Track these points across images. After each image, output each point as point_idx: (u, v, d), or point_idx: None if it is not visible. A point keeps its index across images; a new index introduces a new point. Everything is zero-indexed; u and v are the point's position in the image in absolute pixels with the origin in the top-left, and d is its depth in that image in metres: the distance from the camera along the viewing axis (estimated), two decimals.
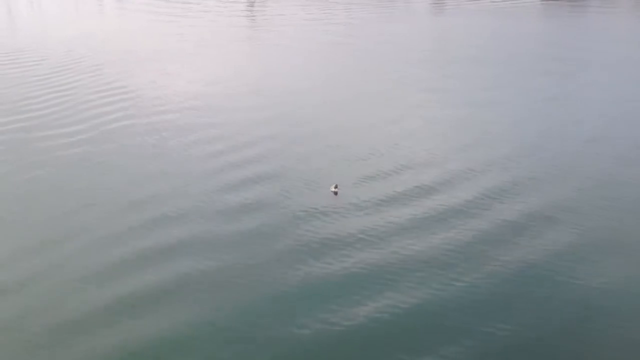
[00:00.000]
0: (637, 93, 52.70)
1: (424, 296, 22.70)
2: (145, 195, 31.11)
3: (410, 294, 22.81)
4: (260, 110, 46.48)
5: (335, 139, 39.55)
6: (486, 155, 36.55)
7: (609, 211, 29.59)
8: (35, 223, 28.38)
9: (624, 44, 76.28)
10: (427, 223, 28.15)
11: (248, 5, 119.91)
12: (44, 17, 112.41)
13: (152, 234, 27.15)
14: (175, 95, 50.52)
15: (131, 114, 45.06)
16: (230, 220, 28.47)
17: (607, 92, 52.06)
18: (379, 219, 28.48)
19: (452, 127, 42.36)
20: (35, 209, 29.80)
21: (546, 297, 22.84)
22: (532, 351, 20.17)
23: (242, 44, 78.67)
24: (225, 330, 21.01)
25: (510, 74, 58.84)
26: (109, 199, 30.69)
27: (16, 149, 38.08)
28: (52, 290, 23.25)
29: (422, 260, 25.08)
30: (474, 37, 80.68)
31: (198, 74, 59.20)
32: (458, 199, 30.51)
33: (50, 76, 57.03)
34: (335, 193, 31.17)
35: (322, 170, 34.33)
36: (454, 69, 60.32)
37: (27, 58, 66.30)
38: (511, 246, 26.15)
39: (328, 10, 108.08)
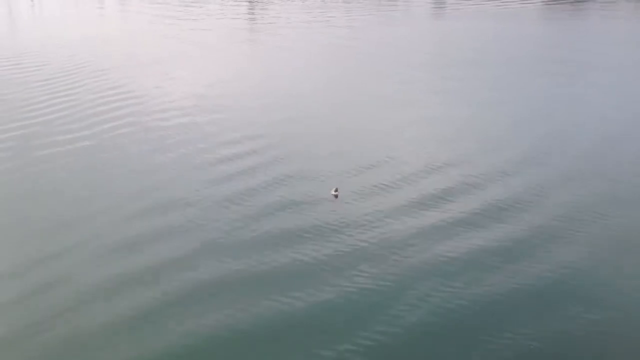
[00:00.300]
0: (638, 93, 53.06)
1: (430, 307, 22.68)
2: (151, 202, 30.96)
3: (414, 304, 22.86)
4: (263, 113, 46.57)
5: (337, 142, 39.65)
6: (488, 159, 36.64)
7: (618, 211, 29.82)
8: (39, 228, 28.34)
9: (625, 46, 76.33)
10: (428, 225, 28.22)
11: (249, 8, 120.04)
12: (45, 19, 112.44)
13: (157, 242, 27.06)
14: (179, 100, 50.52)
15: (136, 120, 44.88)
16: (239, 227, 28.33)
17: (608, 92, 52.24)
18: (379, 223, 28.55)
19: (453, 129, 42.47)
20: (38, 214, 29.78)
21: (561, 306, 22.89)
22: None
23: (244, 47, 78.74)
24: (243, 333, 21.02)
25: (512, 75, 58.90)
26: (113, 205, 30.58)
27: (19, 154, 37.93)
28: (57, 299, 22.95)
29: (425, 265, 25.13)
30: (475, 40, 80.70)
31: (201, 77, 59.20)
32: (461, 203, 30.56)
33: (52, 81, 56.89)
34: (336, 196, 31.25)
35: (322, 172, 34.39)
36: (455, 72, 60.37)
37: (29, 62, 66.22)
38: (516, 253, 26.19)
39: (329, 14, 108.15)
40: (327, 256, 25.71)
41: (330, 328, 21.36)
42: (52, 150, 38.35)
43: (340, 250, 26.24)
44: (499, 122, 44.43)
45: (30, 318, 21.90)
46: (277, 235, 27.55)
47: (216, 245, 26.84)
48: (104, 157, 37.44)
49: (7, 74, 61.06)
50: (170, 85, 56.07)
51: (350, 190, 31.92)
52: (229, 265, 25.21)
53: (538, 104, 49.17)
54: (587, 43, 79.51)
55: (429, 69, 62.65)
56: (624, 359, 20.30)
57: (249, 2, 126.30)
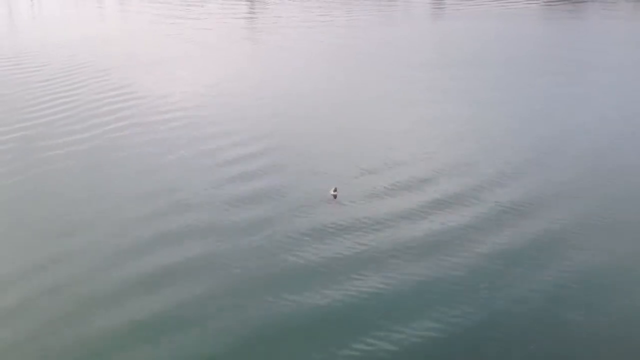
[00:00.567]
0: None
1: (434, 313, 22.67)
2: (154, 204, 30.87)
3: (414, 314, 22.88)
4: (263, 113, 46.61)
5: (337, 142, 39.70)
6: (489, 159, 36.65)
7: (618, 211, 29.91)
8: (41, 231, 28.33)
9: (625, 46, 76.35)
10: (428, 225, 28.26)
11: (250, 8, 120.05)
12: (45, 19, 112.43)
13: (160, 245, 27.00)
14: (180, 101, 50.50)
15: (137, 121, 44.82)
16: (240, 228, 28.27)
17: (608, 92, 52.30)
18: (380, 223, 28.58)
19: (454, 129, 42.50)
20: (40, 216, 29.77)
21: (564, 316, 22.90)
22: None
23: (245, 46, 78.81)
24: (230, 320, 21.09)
25: (512, 75, 58.94)
26: (115, 207, 30.54)
27: (20, 156, 37.83)
28: (60, 303, 22.80)
29: (425, 265, 25.15)
30: (475, 39, 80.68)
31: (202, 77, 59.27)
32: (461, 203, 30.57)
33: (52, 81, 56.90)
34: (335, 196, 31.27)
35: (321, 172, 34.42)
36: (455, 72, 60.38)
37: (29, 62, 66.21)
38: (518, 256, 26.22)
39: (329, 13, 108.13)
40: (325, 258, 25.66)
41: (330, 328, 21.39)
42: (53, 152, 38.25)
43: (340, 252, 26.18)
44: (499, 122, 44.47)
45: (33, 322, 21.73)
46: (277, 234, 27.55)
47: (216, 246, 26.83)
48: (106, 158, 37.41)
49: (7, 74, 61.06)
50: (171, 85, 56.02)
51: (350, 191, 31.94)
52: (229, 265, 25.21)
53: (538, 103, 49.21)
54: (587, 43, 79.52)
55: (429, 69, 62.63)
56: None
57: (250, 1, 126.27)
